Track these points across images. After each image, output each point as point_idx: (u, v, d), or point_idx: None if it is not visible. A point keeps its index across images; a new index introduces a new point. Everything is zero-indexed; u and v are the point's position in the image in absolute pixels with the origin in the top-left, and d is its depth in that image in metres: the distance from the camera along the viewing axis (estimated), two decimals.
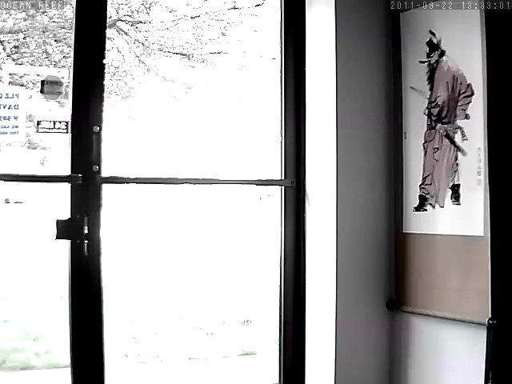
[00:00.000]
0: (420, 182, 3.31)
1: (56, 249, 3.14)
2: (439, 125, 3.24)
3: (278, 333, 3.49)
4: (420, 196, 3.31)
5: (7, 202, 5.49)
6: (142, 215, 5.84)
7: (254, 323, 5.79)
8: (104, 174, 3.06)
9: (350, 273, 3.34)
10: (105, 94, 3.10)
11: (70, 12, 4.37)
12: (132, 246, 5.81)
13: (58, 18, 4.95)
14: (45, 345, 5.05)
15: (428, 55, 3.28)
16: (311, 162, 3.46)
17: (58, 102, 4.45)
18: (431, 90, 3.27)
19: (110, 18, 5.05)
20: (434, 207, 3.25)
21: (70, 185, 3.02)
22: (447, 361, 3.17)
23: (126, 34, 5.28)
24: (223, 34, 5.55)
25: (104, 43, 3.11)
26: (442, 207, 3.22)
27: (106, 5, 3.11)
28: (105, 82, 3.11)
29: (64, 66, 4.91)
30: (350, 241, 3.34)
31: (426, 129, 3.29)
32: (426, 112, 3.29)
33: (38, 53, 5.00)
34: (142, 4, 5.30)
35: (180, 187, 5.11)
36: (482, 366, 2.95)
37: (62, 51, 5.02)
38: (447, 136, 3.20)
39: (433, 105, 3.26)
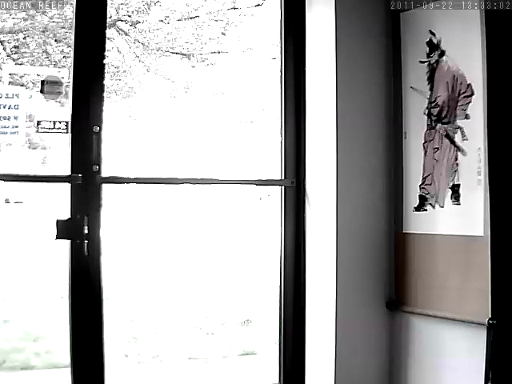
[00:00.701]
0: (420, 182, 3.31)
1: (56, 249, 3.14)
2: (439, 125, 3.24)
3: (278, 333, 3.49)
4: (420, 196, 3.31)
5: (7, 201, 5.49)
6: (142, 215, 5.84)
7: (254, 323, 5.79)
8: (104, 174, 3.06)
9: (350, 273, 3.34)
10: (105, 94, 3.10)
11: (70, 12, 4.37)
12: (132, 246, 5.81)
13: (57, 17, 4.95)
14: (45, 345, 5.05)
15: (428, 55, 3.28)
16: (311, 162, 3.46)
17: (58, 102, 4.45)
18: (431, 90, 3.27)
19: (110, 17, 5.05)
20: (434, 207, 3.25)
21: (69, 185, 3.02)
22: (447, 361, 3.17)
23: (125, 34, 5.28)
24: (223, 33, 5.55)
25: (104, 43, 3.11)
26: (442, 207, 3.22)
27: (106, 5, 3.11)
28: (105, 82, 3.11)
29: (64, 66, 4.91)
30: (350, 241, 3.34)
31: (426, 129, 3.29)
32: (426, 112, 3.29)
33: (38, 53, 5.00)
34: (142, 4, 5.30)
35: (180, 187, 5.11)
36: (482, 366, 2.95)
37: (62, 51, 5.02)
38: (447, 136, 3.20)
39: (433, 105, 3.26)
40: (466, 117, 3.11)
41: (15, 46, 4.99)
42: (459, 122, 3.14)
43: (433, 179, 3.26)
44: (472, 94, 3.08)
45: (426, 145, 3.29)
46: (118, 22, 5.23)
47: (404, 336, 3.37)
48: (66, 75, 4.42)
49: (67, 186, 3.02)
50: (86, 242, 2.99)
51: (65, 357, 3.17)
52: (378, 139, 3.43)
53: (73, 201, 3.02)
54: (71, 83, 3.06)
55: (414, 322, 3.34)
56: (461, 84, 3.13)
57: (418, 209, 3.32)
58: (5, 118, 4.57)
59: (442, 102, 3.22)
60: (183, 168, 5.28)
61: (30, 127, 4.73)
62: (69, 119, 3.06)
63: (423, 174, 3.30)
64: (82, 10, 3.04)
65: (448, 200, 3.19)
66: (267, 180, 3.67)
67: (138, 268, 5.82)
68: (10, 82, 4.79)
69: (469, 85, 3.09)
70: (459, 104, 3.14)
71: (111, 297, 3.47)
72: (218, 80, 5.61)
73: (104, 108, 3.08)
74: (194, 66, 5.53)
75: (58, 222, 2.99)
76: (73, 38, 3.06)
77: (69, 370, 3.04)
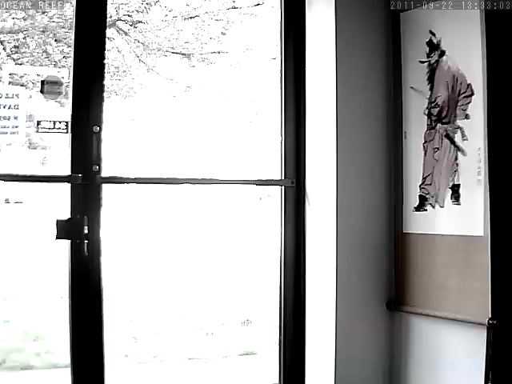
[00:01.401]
0: (420, 182, 3.31)
1: (56, 249, 3.14)
2: (439, 125, 3.24)
3: (278, 333, 3.50)
4: (420, 196, 3.31)
5: (7, 201, 5.49)
6: (142, 215, 5.84)
7: (254, 323, 5.79)
8: (104, 173, 3.07)
9: (350, 273, 3.34)
10: (105, 94, 3.10)
11: (70, 12, 4.36)
12: (132, 246, 5.81)
13: (57, 17, 4.95)
14: (45, 345, 5.04)
15: (428, 55, 3.28)
16: (311, 162, 3.46)
17: (58, 102, 4.45)
18: (431, 90, 3.27)
19: (110, 17, 5.05)
20: (434, 207, 3.25)
21: (70, 185, 3.02)
22: (447, 361, 3.17)
23: (125, 33, 5.28)
24: (223, 33, 5.54)
25: (104, 43, 3.11)
26: (442, 207, 3.22)
27: (106, 5, 3.11)
28: (105, 82, 3.11)
29: (64, 66, 4.91)
30: (350, 241, 3.34)
31: (425, 129, 3.29)
32: (426, 112, 3.29)
33: (38, 53, 5.00)
34: (142, 4, 5.30)
35: (180, 187, 5.10)
36: (482, 366, 2.95)
37: (62, 51, 5.01)
38: (447, 136, 3.20)
39: (433, 105, 3.26)
40: (466, 117, 3.11)
41: (15, 46, 4.99)
42: (459, 122, 3.14)
43: (433, 179, 3.26)
44: (472, 94, 3.08)
45: (425, 145, 3.29)
46: (117, 22, 5.22)
47: (404, 336, 3.37)
48: (66, 75, 4.41)
49: (67, 186, 3.03)
50: (86, 242, 2.99)
51: (65, 357, 3.17)
52: (378, 139, 3.43)
53: (73, 201, 3.02)
54: (71, 83, 3.06)
55: (413, 322, 3.34)
56: (461, 84, 3.13)
57: (418, 209, 3.32)
58: (5, 118, 4.56)
59: (441, 102, 3.22)
60: (183, 168, 5.27)
61: (30, 127, 4.72)
62: (69, 119, 3.07)
63: (423, 174, 3.30)
64: (82, 9, 3.04)
65: (448, 200, 3.19)
66: (267, 180, 3.67)
67: (137, 268, 5.81)
68: (10, 82, 4.79)
69: (469, 85, 3.09)
70: (459, 104, 3.14)
71: (111, 297, 3.47)
72: (218, 80, 5.60)
73: (104, 108, 3.08)
74: (193, 66, 5.53)
75: (57, 221, 2.99)
76: (73, 37, 3.06)
77: (69, 370, 3.04)
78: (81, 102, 3.04)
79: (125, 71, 5.37)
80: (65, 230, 2.99)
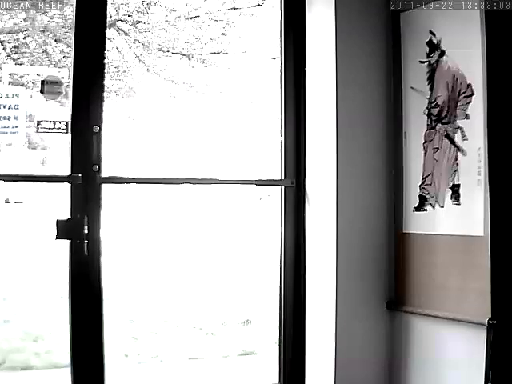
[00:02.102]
0: (420, 182, 3.31)
1: (56, 249, 3.14)
2: (439, 125, 3.24)
3: (278, 333, 3.49)
4: (420, 196, 3.31)
5: (7, 202, 5.49)
6: (142, 215, 5.84)
7: (254, 323, 5.79)
8: (104, 174, 3.07)
9: (350, 273, 3.34)
10: (105, 94, 3.10)
11: (70, 12, 4.36)
12: (132, 246, 5.81)
13: (57, 17, 4.94)
14: (45, 345, 5.04)
15: (428, 55, 3.28)
16: (311, 161, 3.46)
17: (58, 102, 4.45)
18: (431, 89, 3.27)
19: (110, 17, 5.05)
20: (433, 207, 3.26)
21: (70, 185, 3.02)
22: (447, 361, 3.17)
23: (125, 34, 5.28)
24: (223, 33, 5.54)
25: (104, 43, 3.11)
26: (442, 207, 3.22)
27: (106, 5, 3.12)
28: (105, 82, 3.11)
29: (64, 66, 4.91)
30: (350, 241, 3.34)
31: (426, 129, 3.30)
32: (426, 112, 3.29)
33: (38, 53, 5.00)
34: (142, 4, 5.30)
35: (180, 187, 5.10)
36: (482, 366, 2.95)
37: (62, 51, 5.01)
38: (447, 136, 3.20)
39: (433, 105, 3.26)
40: (466, 117, 3.11)
41: (15, 46, 4.99)
42: (459, 122, 3.14)
43: (433, 179, 3.26)
44: (472, 94, 3.08)
45: (425, 145, 3.29)
46: (118, 22, 5.22)
47: (404, 336, 3.37)
48: (66, 75, 4.41)
49: (67, 186, 3.03)
50: (86, 242, 2.99)
51: (65, 357, 3.17)
52: (378, 139, 3.43)
53: (73, 201, 3.02)
54: (71, 83, 3.06)
55: (413, 322, 3.34)
56: (461, 84, 3.13)
57: (418, 209, 3.32)
58: (5, 118, 4.56)
59: (442, 102, 3.22)
60: (183, 168, 5.27)
61: (30, 127, 4.72)
62: (69, 119, 3.07)
63: (423, 174, 3.30)
64: (82, 9, 3.04)
65: (448, 200, 3.19)
66: (267, 180, 3.67)
67: (137, 268, 5.81)
68: (9, 82, 4.79)
69: (469, 85, 3.09)
70: (459, 104, 3.14)
71: (111, 297, 3.47)
72: (218, 80, 5.60)
73: (104, 108, 3.08)
74: (193, 66, 5.53)
75: (57, 221, 2.99)
76: (73, 37, 3.06)
77: (69, 370, 3.04)
78: (81, 102, 3.04)
79: (125, 71, 5.37)
80: (65, 229, 2.99)
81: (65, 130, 4.38)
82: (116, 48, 5.27)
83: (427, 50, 3.29)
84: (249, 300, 6.00)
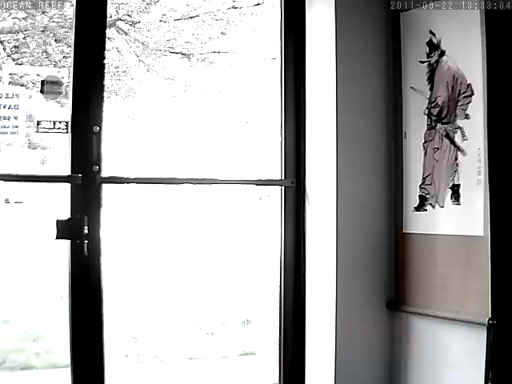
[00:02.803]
0: (420, 182, 3.31)
1: (56, 249, 3.14)
2: (439, 125, 3.24)
3: (278, 333, 3.49)
4: (420, 196, 3.31)
5: (7, 202, 5.49)
6: (142, 215, 5.84)
7: (254, 323, 5.79)
8: (104, 174, 3.06)
9: (350, 273, 3.34)
10: (105, 94, 3.09)
11: (70, 12, 4.37)
12: (132, 246, 5.81)
13: (57, 17, 4.95)
14: (45, 345, 5.05)
15: (428, 55, 3.28)
16: (311, 162, 3.46)
17: (58, 102, 4.45)
18: (431, 90, 3.27)
19: (110, 17, 5.05)
20: (433, 207, 3.25)
21: (70, 185, 3.02)
22: (447, 361, 3.17)
23: (125, 33, 5.28)
24: (223, 33, 5.55)
25: (104, 43, 3.11)
26: (442, 207, 3.22)
27: (106, 4, 3.11)
28: (105, 82, 3.11)
29: (64, 66, 4.91)
30: (350, 241, 3.34)
31: (426, 129, 3.29)
32: (426, 112, 3.29)
33: (38, 53, 5.00)
34: (142, 4, 5.30)
35: (180, 187, 5.11)
36: (482, 366, 2.95)
37: (62, 51, 5.01)
38: (447, 136, 3.20)
39: (433, 105, 3.26)
40: (466, 117, 3.11)
41: (15, 46, 4.99)
42: (459, 122, 3.14)
43: (433, 179, 3.26)
44: (472, 94, 3.08)
45: (425, 145, 3.29)
46: (117, 22, 5.23)
47: (404, 336, 3.37)
48: (66, 75, 4.41)
49: (67, 186, 3.02)
50: (86, 242, 2.99)
51: (65, 357, 3.17)
52: (378, 139, 3.43)
53: (73, 201, 3.02)
54: (71, 83, 3.06)
55: (413, 322, 3.34)
56: (461, 84, 3.13)
57: (418, 209, 3.32)
58: (5, 118, 4.57)
59: (442, 102, 3.22)
60: (183, 168, 5.28)
61: (29, 127, 4.73)
62: (69, 119, 3.06)
63: (423, 174, 3.30)
64: (82, 9, 3.04)
65: (448, 200, 3.19)
66: (267, 180, 3.67)
67: (137, 268, 5.82)
68: (10, 82, 4.79)
69: (469, 85, 3.09)
70: (459, 104, 3.14)
71: (111, 297, 3.47)
72: (218, 80, 5.61)
73: (104, 108, 3.08)
74: (193, 66, 5.53)
75: (57, 221, 2.99)
76: (73, 37, 3.06)
77: (69, 370, 3.04)
78: (81, 102, 3.04)
79: (125, 71, 5.37)
80: (65, 229, 2.99)
81: (65, 130, 4.39)
82: (116, 48, 5.27)
83: (427, 49, 3.28)
84: (249, 300, 6.01)
